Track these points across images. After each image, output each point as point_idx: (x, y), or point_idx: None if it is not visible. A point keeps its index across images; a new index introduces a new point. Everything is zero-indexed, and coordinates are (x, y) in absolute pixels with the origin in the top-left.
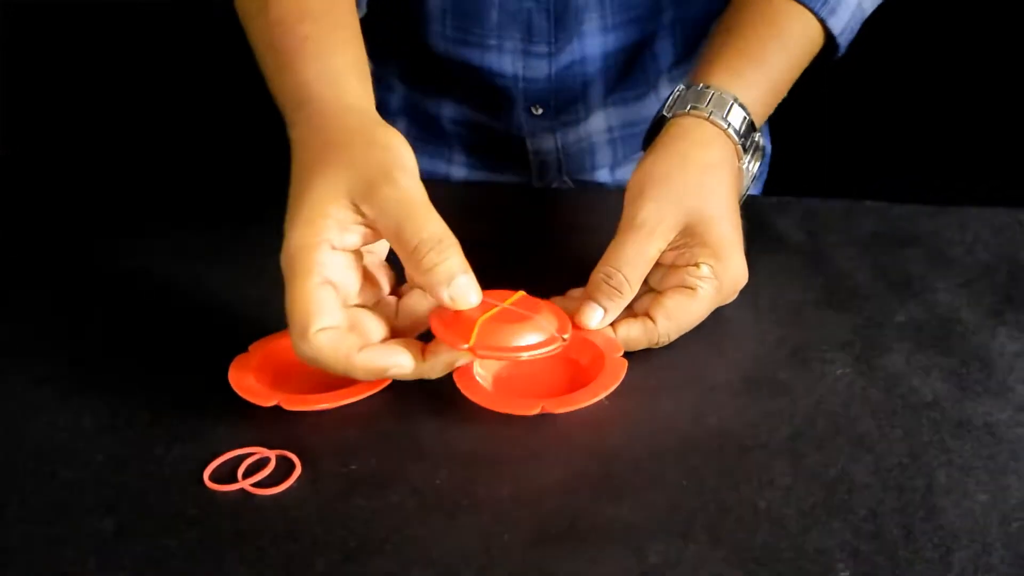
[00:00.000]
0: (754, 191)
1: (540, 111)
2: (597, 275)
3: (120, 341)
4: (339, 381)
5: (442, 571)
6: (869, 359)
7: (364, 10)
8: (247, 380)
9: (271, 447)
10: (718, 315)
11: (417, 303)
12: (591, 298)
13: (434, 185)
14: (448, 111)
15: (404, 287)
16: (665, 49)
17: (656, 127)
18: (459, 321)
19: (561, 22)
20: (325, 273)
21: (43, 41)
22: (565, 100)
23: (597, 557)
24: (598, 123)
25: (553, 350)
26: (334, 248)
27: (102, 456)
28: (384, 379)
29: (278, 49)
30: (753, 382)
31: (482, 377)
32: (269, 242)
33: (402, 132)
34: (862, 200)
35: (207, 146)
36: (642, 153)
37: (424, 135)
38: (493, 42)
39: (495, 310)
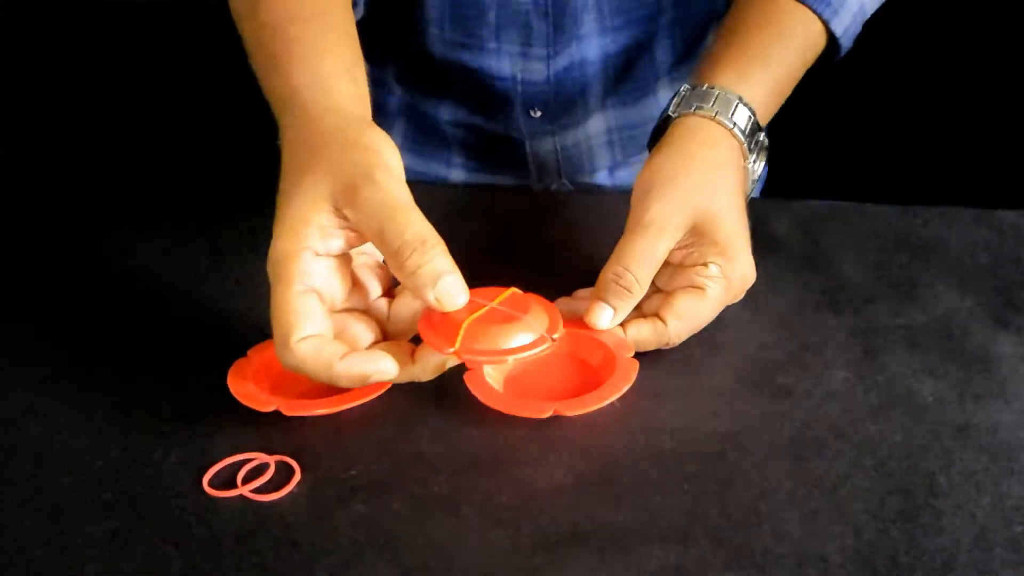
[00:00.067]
0: (753, 193)
1: (539, 114)
2: (606, 275)
3: (119, 344)
4: (338, 386)
5: None
6: (869, 362)
7: (362, 12)
8: (246, 385)
9: (270, 452)
10: (718, 318)
11: (408, 305)
12: (600, 298)
13: (432, 187)
14: (446, 113)
15: (397, 289)
16: (663, 51)
17: (661, 127)
18: (446, 323)
19: (559, 25)
20: (308, 281)
21: (43, 41)
22: (564, 102)
23: (598, 563)
24: (597, 125)
25: (541, 352)
26: (317, 254)
27: (100, 462)
28: (381, 384)
29: (268, 52)
30: (753, 385)
31: (492, 378)
32: (270, 245)
33: (400, 134)
34: (862, 202)
35: (208, 146)
36: (645, 154)
37: (423, 137)
38: (491, 45)
39: (483, 311)
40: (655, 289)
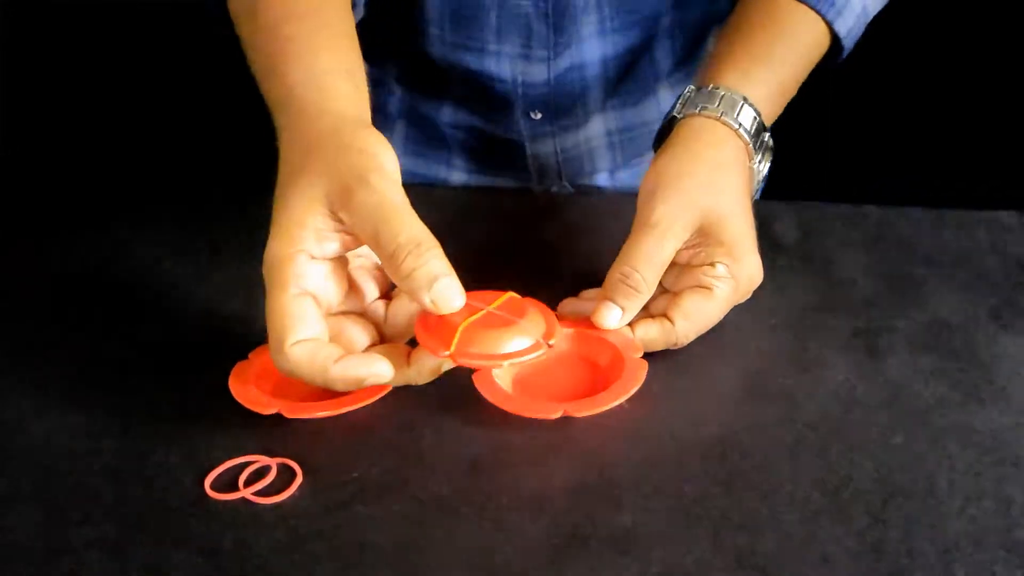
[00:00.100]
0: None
1: (539, 115)
2: (614, 275)
3: (119, 346)
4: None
5: None
6: (870, 364)
7: (362, 13)
8: (247, 388)
9: (272, 455)
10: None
11: (405, 308)
12: (608, 298)
13: (432, 189)
14: (447, 115)
15: (395, 291)
16: (664, 53)
17: (666, 128)
18: (442, 326)
19: (560, 27)
20: (303, 284)
21: (43, 41)
22: (564, 105)
23: (600, 565)
24: (597, 127)
25: (536, 357)
26: (312, 258)
27: (102, 464)
28: (382, 387)
29: (265, 53)
30: (754, 388)
31: (501, 378)
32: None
33: (401, 136)
34: (861, 204)
35: (209, 148)
36: (646, 156)
37: (423, 139)
38: (492, 47)
39: (479, 314)
40: (661, 290)
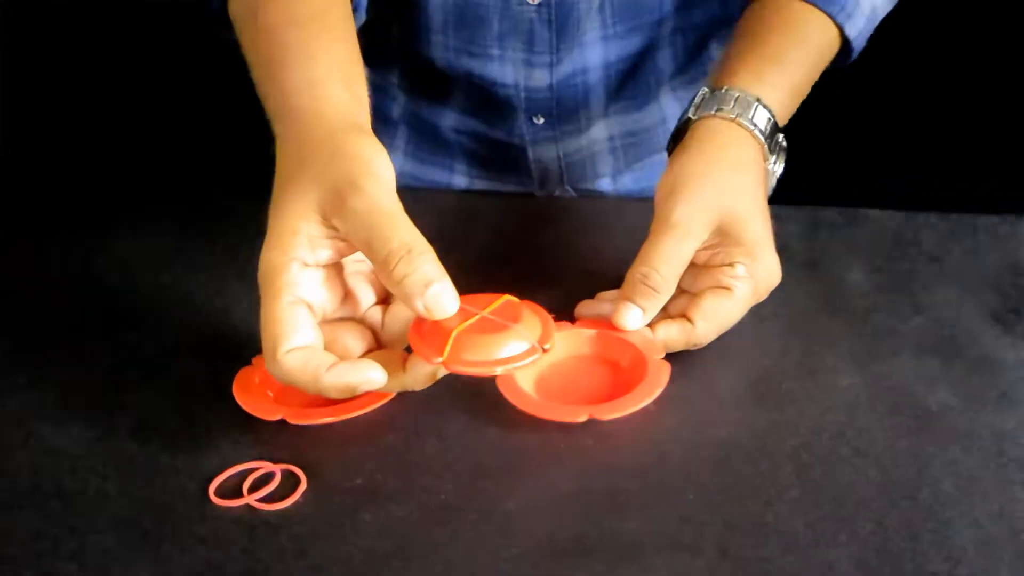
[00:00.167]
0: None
1: (542, 120)
2: (633, 275)
3: (122, 352)
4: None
5: None
6: (874, 369)
7: (364, 17)
8: (251, 394)
9: (276, 461)
10: None
11: (402, 313)
12: (628, 298)
13: (435, 194)
14: (450, 120)
15: (392, 297)
16: (666, 58)
17: (681, 130)
18: (436, 332)
19: (563, 32)
20: (297, 292)
21: (43, 41)
22: (567, 109)
23: (604, 571)
24: (599, 132)
25: (531, 362)
26: (306, 265)
27: (106, 471)
28: (384, 393)
29: (263, 59)
30: (758, 392)
31: (523, 378)
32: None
33: (403, 141)
34: (864, 207)
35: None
36: (647, 161)
37: (426, 144)
38: (495, 52)
39: (473, 319)
40: (679, 291)
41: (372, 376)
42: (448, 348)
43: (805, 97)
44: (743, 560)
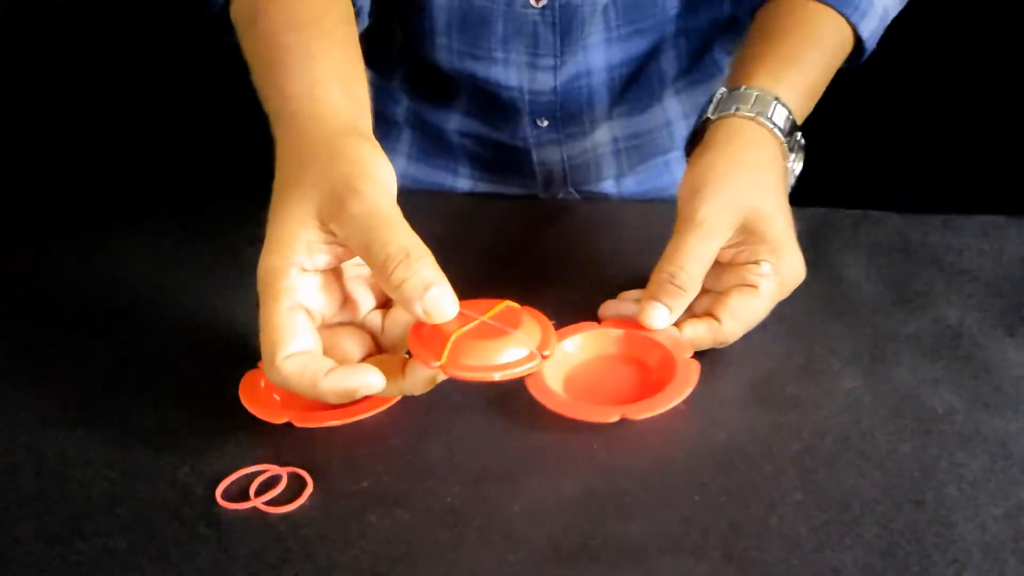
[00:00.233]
0: None
1: (546, 123)
2: (660, 274)
3: (122, 352)
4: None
5: None
6: (878, 372)
7: (367, 22)
8: (258, 397)
9: (282, 464)
10: None
11: (401, 318)
12: (654, 298)
13: (439, 196)
14: (453, 123)
15: (392, 301)
16: (670, 61)
17: (700, 130)
18: (435, 336)
19: (566, 35)
20: (295, 297)
21: (43, 41)
22: (570, 112)
23: (609, 575)
24: (603, 135)
25: (529, 369)
26: (304, 270)
27: (113, 474)
28: (391, 396)
29: (264, 63)
30: (762, 396)
31: (552, 379)
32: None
33: (407, 144)
34: (869, 209)
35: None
36: (650, 163)
37: (429, 147)
38: (499, 55)
39: (471, 324)
40: (702, 290)
41: (370, 380)
42: (447, 353)
43: (820, 97)
44: (747, 563)
